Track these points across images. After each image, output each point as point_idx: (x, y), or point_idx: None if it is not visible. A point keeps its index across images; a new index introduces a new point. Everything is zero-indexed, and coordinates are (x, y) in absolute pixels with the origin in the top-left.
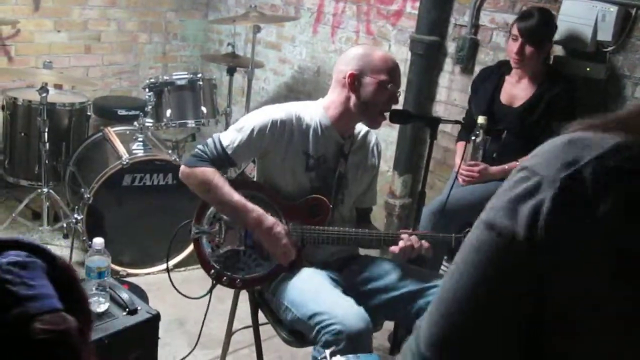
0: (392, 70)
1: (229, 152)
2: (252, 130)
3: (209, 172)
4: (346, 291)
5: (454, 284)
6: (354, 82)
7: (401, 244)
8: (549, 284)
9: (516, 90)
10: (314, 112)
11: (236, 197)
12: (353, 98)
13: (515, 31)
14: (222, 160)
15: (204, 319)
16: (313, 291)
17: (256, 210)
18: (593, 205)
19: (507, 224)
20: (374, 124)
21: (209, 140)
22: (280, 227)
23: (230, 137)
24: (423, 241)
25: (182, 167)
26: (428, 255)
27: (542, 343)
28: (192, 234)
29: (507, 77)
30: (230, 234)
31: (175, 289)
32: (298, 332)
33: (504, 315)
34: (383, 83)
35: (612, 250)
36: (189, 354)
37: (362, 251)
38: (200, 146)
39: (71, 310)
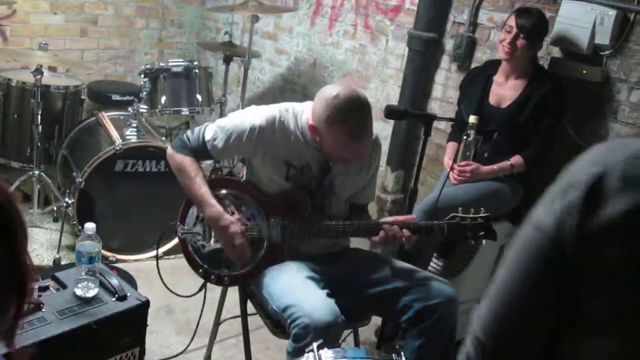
0: (348, 140)
1: (208, 147)
2: (231, 135)
3: (187, 161)
4: (326, 285)
5: (501, 278)
6: (314, 131)
7: (382, 234)
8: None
9: (504, 91)
10: (299, 119)
11: (203, 190)
12: (318, 139)
13: (512, 23)
14: (201, 152)
15: (201, 312)
16: (288, 284)
17: (216, 206)
18: (610, 205)
19: (543, 219)
20: (345, 163)
21: (197, 128)
22: (235, 227)
23: (213, 132)
24: (404, 230)
25: (169, 148)
26: (410, 244)
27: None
28: (178, 234)
29: (494, 78)
30: (213, 234)
31: (166, 286)
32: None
33: (539, 307)
34: (337, 143)
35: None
36: (188, 346)
37: (352, 244)
38: (189, 131)
39: None
